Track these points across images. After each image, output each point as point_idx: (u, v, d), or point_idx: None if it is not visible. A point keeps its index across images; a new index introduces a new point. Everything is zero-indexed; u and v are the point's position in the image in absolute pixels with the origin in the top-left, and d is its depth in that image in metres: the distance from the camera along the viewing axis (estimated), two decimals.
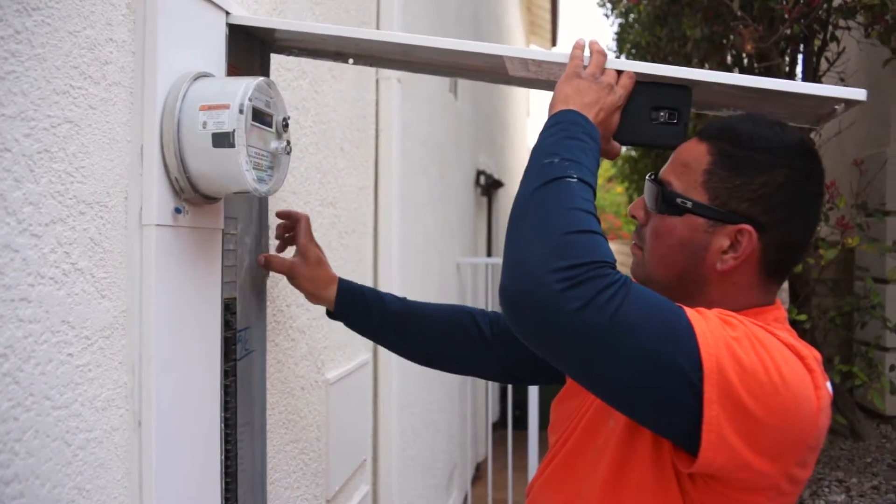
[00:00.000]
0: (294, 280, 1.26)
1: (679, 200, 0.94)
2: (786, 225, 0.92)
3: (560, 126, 0.92)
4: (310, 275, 1.25)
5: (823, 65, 3.90)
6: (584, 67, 0.99)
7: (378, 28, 2.18)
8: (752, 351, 0.82)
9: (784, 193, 0.91)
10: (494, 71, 1.13)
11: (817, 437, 0.86)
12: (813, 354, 0.88)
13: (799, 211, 0.93)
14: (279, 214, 1.29)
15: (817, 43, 3.84)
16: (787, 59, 3.81)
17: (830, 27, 3.71)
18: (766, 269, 0.94)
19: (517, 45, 8.32)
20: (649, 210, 1.00)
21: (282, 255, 1.29)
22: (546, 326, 0.82)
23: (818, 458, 3.71)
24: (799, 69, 3.94)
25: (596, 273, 0.81)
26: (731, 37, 3.76)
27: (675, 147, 1.01)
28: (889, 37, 3.40)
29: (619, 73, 0.99)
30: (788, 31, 3.57)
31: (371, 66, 1.22)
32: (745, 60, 4.03)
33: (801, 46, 3.87)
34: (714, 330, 0.82)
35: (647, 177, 1.01)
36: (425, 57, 1.14)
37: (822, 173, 0.96)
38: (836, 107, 0.99)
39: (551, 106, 0.97)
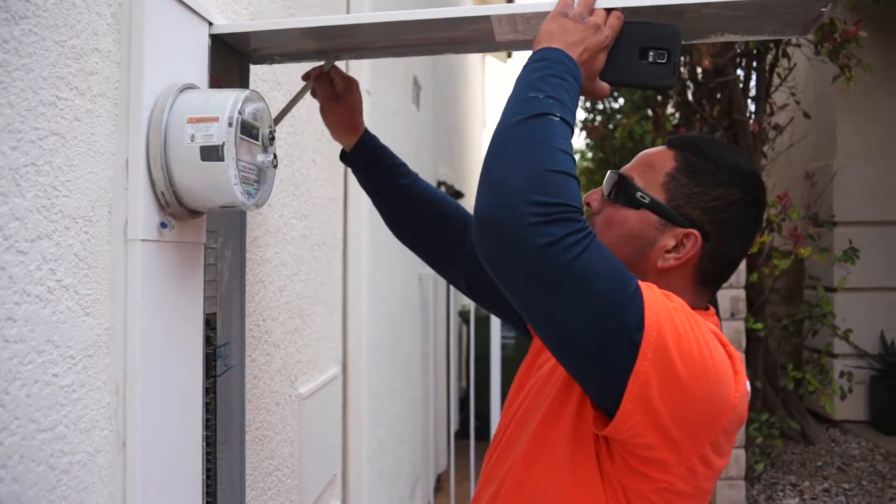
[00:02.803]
0: (335, 108, 1.28)
1: (639, 195, 0.99)
2: (726, 240, 0.99)
3: (545, 63, 0.93)
4: (353, 107, 1.28)
5: (776, 80, 4.01)
6: (572, 7, 0.98)
7: None
8: (687, 322, 0.86)
9: (732, 211, 0.98)
10: (482, 39, 1.12)
11: (732, 421, 0.89)
12: (736, 350, 0.93)
13: (740, 230, 1.00)
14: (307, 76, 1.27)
15: (770, 59, 3.96)
16: (741, 73, 3.92)
17: (782, 44, 3.83)
18: (700, 276, 1.00)
19: None
20: (605, 199, 1.04)
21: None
22: (510, 254, 0.83)
23: (771, 463, 3.76)
24: (753, 83, 4.05)
25: (569, 216, 0.83)
26: (690, 54, 3.84)
27: (665, 88, 1.04)
28: (837, 54, 3.52)
29: (609, 12, 0.99)
30: (742, 48, 3.66)
31: (356, 58, 1.21)
32: (701, 75, 4.13)
33: (755, 62, 3.98)
34: (658, 297, 0.86)
35: (609, 170, 1.06)
36: (410, 37, 1.12)
37: (765, 205, 1.04)
38: (823, 8, 1.00)
39: (536, 42, 0.97)
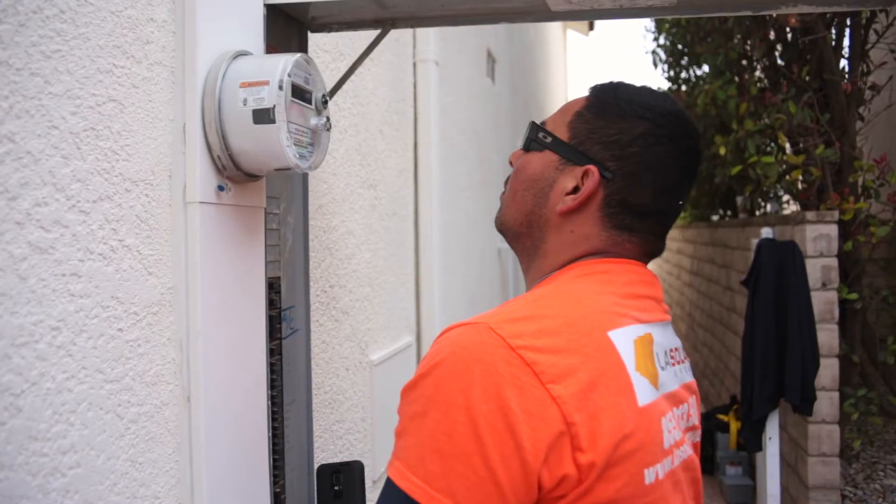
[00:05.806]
0: None
1: (540, 135, 0.91)
2: (633, 179, 0.87)
3: None
4: None
5: (872, 37, 3.78)
6: None
7: None
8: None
9: (638, 145, 0.87)
10: (536, 10, 1.13)
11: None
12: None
13: (650, 168, 0.87)
14: None
15: (865, 14, 3.73)
16: (833, 31, 3.71)
17: None
18: (609, 222, 0.87)
19: None
20: (522, 152, 0.96)
21: None
22: None
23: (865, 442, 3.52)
24: (846, 42, 3.82)
25: None
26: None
27: None
28: None
29: None
30: None
31: (412, 27, 1.23)
32: (790, 35, 3.93)
33: (848, 19, 3.76)
34: None
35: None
36: (465, 7, 1.13)
37: (692, 142, 0.90)
38: None
39: None
